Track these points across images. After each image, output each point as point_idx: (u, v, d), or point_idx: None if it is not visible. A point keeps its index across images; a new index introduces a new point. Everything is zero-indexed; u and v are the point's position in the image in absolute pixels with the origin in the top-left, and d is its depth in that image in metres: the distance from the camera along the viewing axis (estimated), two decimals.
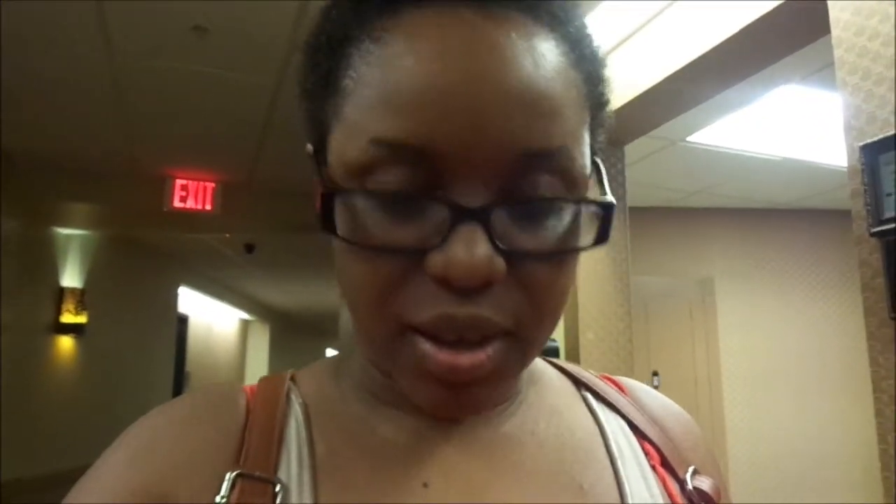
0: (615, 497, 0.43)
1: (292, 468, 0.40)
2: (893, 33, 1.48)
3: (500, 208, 0.35)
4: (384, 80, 0.36)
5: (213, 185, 4.76)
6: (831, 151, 3.96)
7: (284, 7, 2.70)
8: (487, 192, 0.35)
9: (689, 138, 3.89)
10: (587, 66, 0.40)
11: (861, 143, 1.49)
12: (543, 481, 0.42)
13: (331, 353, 16.66)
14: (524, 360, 0.40)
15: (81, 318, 5.27)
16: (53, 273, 5.16)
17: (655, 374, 5.30)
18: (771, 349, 5.12)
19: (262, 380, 0.46)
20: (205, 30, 2.87)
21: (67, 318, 5.17)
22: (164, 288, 7.42)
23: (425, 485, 0.41)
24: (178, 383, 8.07)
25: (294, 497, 0.39)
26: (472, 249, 0.34)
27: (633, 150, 3.38)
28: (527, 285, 0.36)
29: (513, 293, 0.36)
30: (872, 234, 1.43)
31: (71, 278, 5.33)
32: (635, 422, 0.48)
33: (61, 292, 5.19)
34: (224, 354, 10.17)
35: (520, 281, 0.36)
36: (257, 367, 10.90)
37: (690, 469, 0.46)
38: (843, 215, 2.31)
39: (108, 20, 2.81)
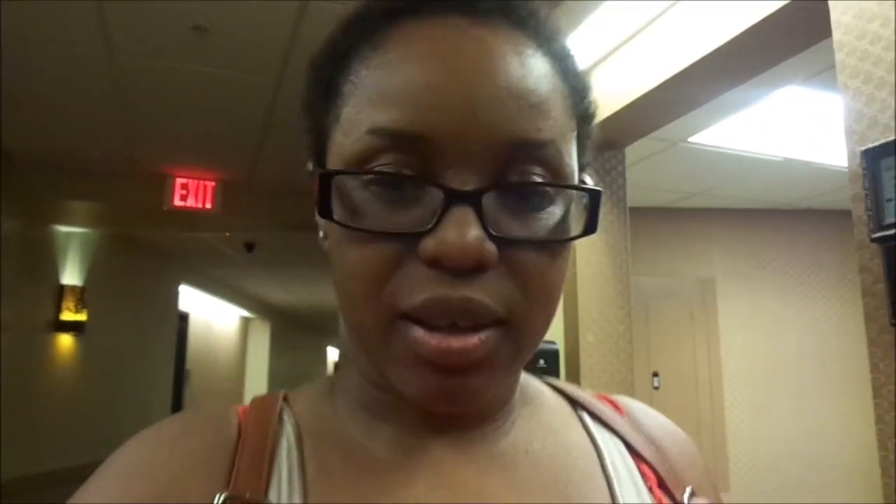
0: None
1: (283, 489, 0.40)
2: (894, 37, 1.48)
3: (492, 193, 0.36)
4: (382, 79, 0.38)
5: (213, 183, 4.76)
6: (832, 152, 3.95)
7: (284, 7, 2.69)
8: (479, 178, 0.36)
9: (689, 139, 3.89)
10: (572, 80, 0.42)
11: (862, 148, 1.48)
12: (538, 501, 0.42)
13: (332, 350, 16.69)
14: (517, 354, 0.39)
15: (81, 316, 5.28)
16: (53, 271, 5.17)
17: (656, 374, 5.30)
18: (772, 350, 5.12)
19: (255, 400, 0.46)
20: (205, 30, 2.86)
21: (67, 316, 5.18)
22: (164, 286, 7.42)
23: None
24: (179, 381, 8.07)
25: None
26: (463, 231, 0.35)
27: (633, 150, 3.37)
28: (518, 273, 0.37)
29: (505, 281, 0.37)
30: (873, 240, 1.42)
31: (71, 276, 5.33)
32: (632, 443, 0.48)
33: (61, 290, 5.19)
34: (224, 352, 10.18)
35: (511, 269, 0.37)
36: (258, 365, 10.91)
37: (688, 490, 0.46)
38: (843, 216, 2.31)
39: (108, 20, 2.81)
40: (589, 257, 3.02)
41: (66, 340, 5.30)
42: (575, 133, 0.42)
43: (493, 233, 0.35)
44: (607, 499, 0.43)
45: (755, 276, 5.23)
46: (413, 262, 0.36)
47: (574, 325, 3.01)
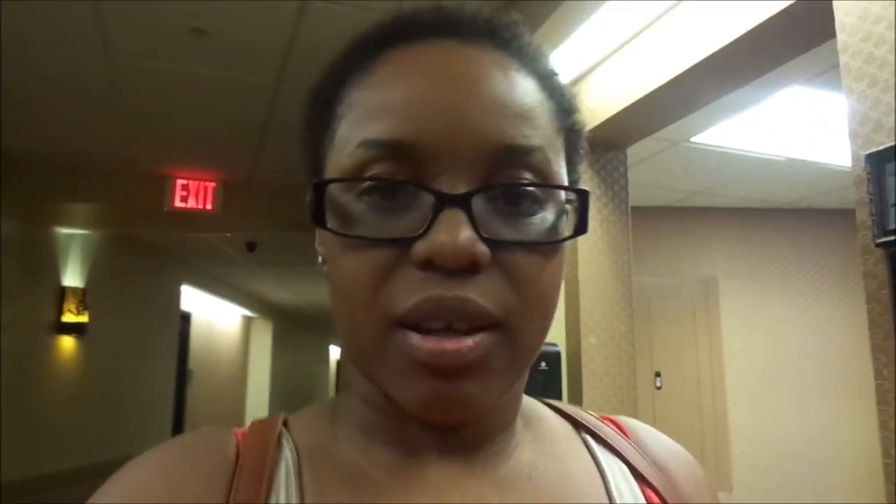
0: None
1: None
2: None
3: (483, 198, 0.37)
4: (373, 97, 0.40)
5: (213, 184, 4.76)
6: (835, 152, 3.94)
7: (283, 7, 2.68)
8: (470, 183, 0.37)
9: (692, 139, 3.88)
10: (557, 98, 0.43)
11: (867, 152, 1.46)
12: None
13: (334, 349, 16.66)
14: (513, 359, 0.39)
15: (83, 318, 5.27)
16: (54, 273, 5.16)
17: (658, 375, 5.29)
18: (774, 349, 5.11)
19: (254, 423, 0.46)
20: (203, 31, 2.85)
21: (69, 317, 5.17)
22: (165, 286, 7.42)
23: None
24: (181, 381, 8.07)
25: None
26: (455, 232, 0.35)
27: (635, 150, 3.36)
28: (511, 276, 0.38)
29: (499, 284, 0.37)
30: (878, 245, 1.41)
31: (72, 278, 5.32)
32: (637, 466, 0.47)
33: (62, 292, 5.18)
34: (227, 352, 10.18)
35: (504, 273, 0.37)
36: (260, 364, 10.90)
37: None
38: (846, 215, 2.29)
39: (105, 21, 2.81)
40: (591, 258, 3.00)
41: (67, 342, 5.29)
42: (563, 147, 0.43)
43: (485, 235, 0.36)
44: None
45: (757, 275, 5.22)
46: (407, 268, 0.37)
47: (576, 326, 3.00)
